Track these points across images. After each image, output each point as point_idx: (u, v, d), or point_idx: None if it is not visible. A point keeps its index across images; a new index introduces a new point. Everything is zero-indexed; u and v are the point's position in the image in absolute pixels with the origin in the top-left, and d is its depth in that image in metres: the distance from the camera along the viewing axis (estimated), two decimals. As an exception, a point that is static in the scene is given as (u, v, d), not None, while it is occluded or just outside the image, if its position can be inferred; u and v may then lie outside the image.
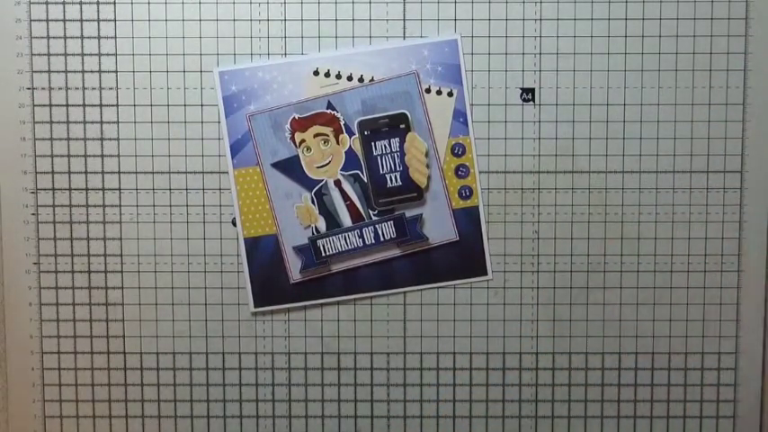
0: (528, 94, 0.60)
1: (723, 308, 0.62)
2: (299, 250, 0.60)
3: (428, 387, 0.62)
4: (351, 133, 0.60)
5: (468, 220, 0.60)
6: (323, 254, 0.60)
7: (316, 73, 0.59)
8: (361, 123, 0.59)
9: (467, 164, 0.60)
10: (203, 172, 0.61)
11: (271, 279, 0.61)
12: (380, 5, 0.60)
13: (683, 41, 0.60)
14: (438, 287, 0.61)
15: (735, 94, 0.60)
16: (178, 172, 0.61)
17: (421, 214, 0.60)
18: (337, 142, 0.60)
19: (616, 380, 0.62)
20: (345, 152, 0.60)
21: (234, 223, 0.61)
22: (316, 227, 0.60)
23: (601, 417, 0.62)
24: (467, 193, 0.60)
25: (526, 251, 0.61)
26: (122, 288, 0.61)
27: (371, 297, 0.61)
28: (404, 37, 0.60)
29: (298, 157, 0.60)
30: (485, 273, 0.61)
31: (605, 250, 0.61)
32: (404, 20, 0.60)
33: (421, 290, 0.61)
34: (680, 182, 0.61)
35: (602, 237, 0.61)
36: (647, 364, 0.62)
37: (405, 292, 0.61)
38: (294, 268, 0.60)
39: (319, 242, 0.60)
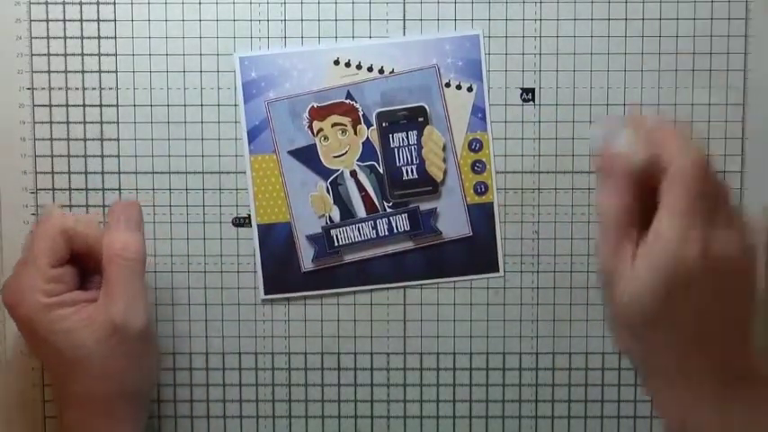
0: (528, 94, 0.60)
1: (723, 308, 0.62)
2: (312, 239, 0.60)
3: (428, 387, 0.62)
4: (368, 124, 0.60)
5: (482, 216, 0.60)
6: (336, 243, 0.60)
7: (336, 62, 0.59)
8: (379, 115, 0.59)
9: (483, 160, 0.60)
10: (203, 172, 0.61)
11: (282, 267, 0.60)
12: (382, 6, 0.60)
13: (683, 41, 0.60)
14: (448, 282, 0.61)
15: (735, 94, 0.60)
16: (178, 172, 0.61)
17: (435, 208, 0.60)
18: (355, 133, 0.60)
19: (616, 380, 0.62)
20: (362, 143, 0.60)
21: (234, 223, 0.61)
22: (330, 216, 0.60)
23: (601, 417, 0.62)
24: (482, 188, 0.60)
25: (526, 251, 0.61)
26: (122, 288, 0.61)
27: (372, 293, 0.61)
28: (421, 32, 0.59)
29: (315, 145, 0.60)
30: (496, 269, 0.61)
31: (605, 250, 0.61)
32: (404, 20, 0.60)
33: (432, 284, 0.61)
34: (680, 182, 0.61)
35: (602, 237, 0.61)
36: (647, 364, 0.62)
37: (414, 287, 0.61)
38: (306, 257, 0.60)
39: (333, 231, 0.60)
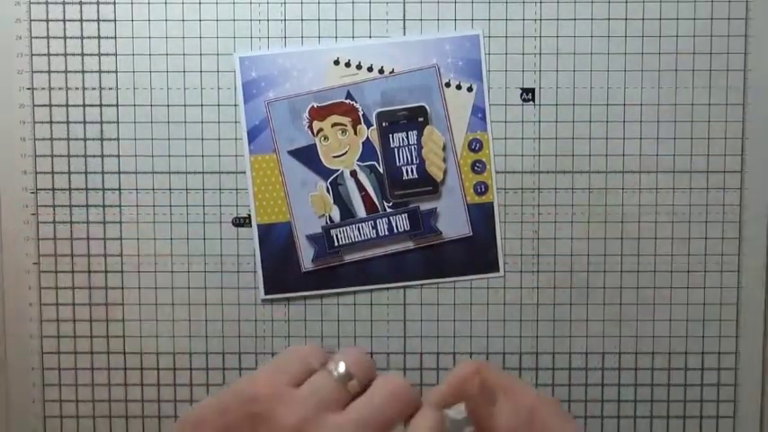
0: (528, 94, 0.60)
1: (723, 308, 0.62)
2: (312, 239, 0.60)
3: (428, 387, 0.62)
4: (368, 124, 0.60)
5: (482, 216, 0.61)
6: (336, 243, 0.60)
7: (336, 62, 0.59)
8: (379, 115, 0.59)
9: (483, 160, 0.60)
10: (203, 172, 0.61)
11: (282, 267, 0.60)
12: (382, 6, 0.60)
13: (683, 41, 0.60)
14: (448, 282, 0.61)
15: (735, 94, 0.60)
16: (178, 172, 0.61)
17: (435, 208, 0.60)
18: (355, 132, 0.60)
19: (616, 380, 0.62)
20: (362, 143, 0.60)
21: (234, 223, 0.61)
22: (330, 216, 0.60)
23: (601, 417, 0.62)
24: (482, 188, 0.60)
25: (526, 251, 0.61)
26: (122, 288, 0.61)
27: (372, 293, 0.61)
28: (421, 32, 0.60)
29: (315, 145, 0.60)
30: (496, 269, 0.61)
31: (605, 250, 0.61)
32: (404, 20, 0.60)
33: (432, 284, 0.61)
34: (680, 182, 0.61)
35: (602, 237, 0.61)
36: (647, 364, 0.62)
37: (414, 287, 0.61)
38: (306, 257, 0.60)
39: (333, 231, 0.60)
